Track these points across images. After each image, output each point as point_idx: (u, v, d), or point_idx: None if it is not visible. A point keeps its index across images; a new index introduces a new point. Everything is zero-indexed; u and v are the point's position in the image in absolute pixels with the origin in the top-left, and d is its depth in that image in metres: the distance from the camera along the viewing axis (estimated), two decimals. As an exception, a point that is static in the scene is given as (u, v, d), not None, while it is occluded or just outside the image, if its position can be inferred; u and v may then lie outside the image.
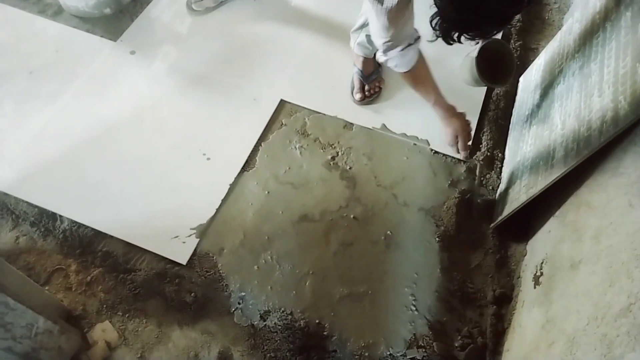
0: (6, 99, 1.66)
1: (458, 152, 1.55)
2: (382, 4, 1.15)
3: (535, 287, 1.19)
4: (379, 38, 1.28)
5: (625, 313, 0.76)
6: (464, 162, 1.55)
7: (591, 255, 0.95)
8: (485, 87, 1.68)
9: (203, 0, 1.87)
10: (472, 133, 1.57)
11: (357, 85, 1.65)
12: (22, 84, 1.69)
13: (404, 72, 1.38)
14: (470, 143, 1.55)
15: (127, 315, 1.32)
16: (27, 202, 1.46)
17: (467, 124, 1.53)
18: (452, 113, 1.50)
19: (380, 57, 1.36)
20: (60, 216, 1.44)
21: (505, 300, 1.34)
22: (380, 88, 1.67)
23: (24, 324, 1.01)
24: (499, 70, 1.46)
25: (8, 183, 1.49)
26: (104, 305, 1.33)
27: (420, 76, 1.42)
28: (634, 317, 0.73)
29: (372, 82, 1.66)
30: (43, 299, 1.21)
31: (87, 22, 1.86)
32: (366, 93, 1.65)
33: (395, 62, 1.34)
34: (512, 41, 1.80)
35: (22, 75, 1.71)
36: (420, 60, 1.38)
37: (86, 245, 1.41)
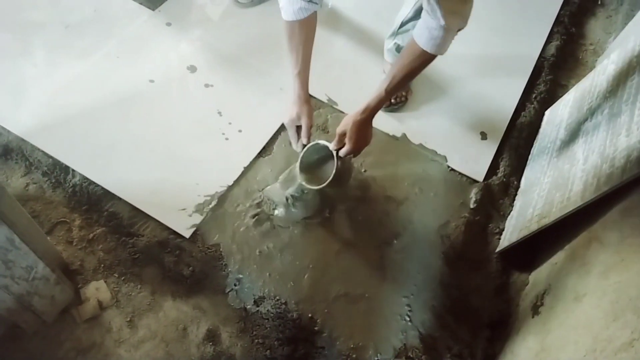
0: (39, 49, 1.68)
1: None
2: None
3: (533, 317, 1.19)
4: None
5: (627, 348, 0.75)
6: (479, 183, 1.55)
7: (597, 290, 0.95)
8: (510, 115, 1.69)
9: None
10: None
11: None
12: (57, 37, 1.71)
13: (287, 21, 1.24)
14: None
15: (122, 278, 1.32)
16: (42, 151, 1.47)
17: (307, 116, 1.31)
18: (300, 98, 1.31)
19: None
20: (73, 170, 1.45)
21: (500, 325, 1.33)
22: (406, 98, 1.68)
23: (24, 265, 1.01)
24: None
25: (27, 130, 1.50)
26: (102, 265, 1.33)
27: (299, 35, 1.26)
28: (636, 352, 0.73)
29: None
30: (45, 246, 1.21)
31: (130, -13, 1.88)
32: (392, 101, 1.65)
33: (283, 2, 1.22)
34: (543, 74, 1.81)
35: (58, 28, 1.73)
36: (310, 20, 1.26)
37: (93, 203, 1.41)
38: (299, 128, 1.35)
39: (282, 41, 1.28)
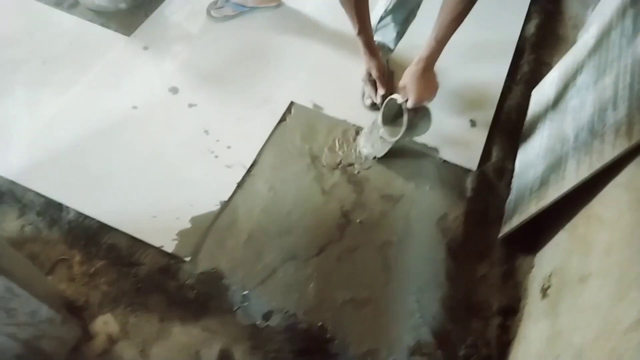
0: (18, 86, 1.67)
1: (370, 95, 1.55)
2: None
3: (542, 299, 1.18)
4: None
5: (636, 327, 0.75)
6: (473, 172, 1.55)
7: (601, 269, 0.94)
8: (497, 99, 1.69)
9: (222, 8, 1.88)
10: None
11: (367, 90, 1.66)
12: (35, 73, 1.70)
13: None
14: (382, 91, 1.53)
15: (129, 308, 1.31)
16: (34, 191, 1.46)
17: (381, 65, 1.51)
18: (370, 49, 1.47)
19: None
20: (67, 207, 1.44)
21: (510, 312, 1.33)
22: (391, 95, 1.67)
23: (27, 311, 1.01)
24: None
25: (16, 171, 1.49)
26: (107, 298, 1.32)
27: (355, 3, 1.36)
28: (646, 331, 0.72)
29: None
30: (46, 287, 1.21)
31: (102, 15, 1.87)
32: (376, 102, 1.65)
33: None
34: (525, 54, 1.80)
35: (36, 64, 1.72)
36: None
37: (91, 237, 1.40)
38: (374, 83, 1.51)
39: (337, 7, 1.37)
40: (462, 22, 1.28)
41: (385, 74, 1.52)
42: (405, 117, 1.37)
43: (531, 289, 1.31)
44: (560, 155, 1.28)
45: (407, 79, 1.35)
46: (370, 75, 1.51)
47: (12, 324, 0.99)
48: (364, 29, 1.41)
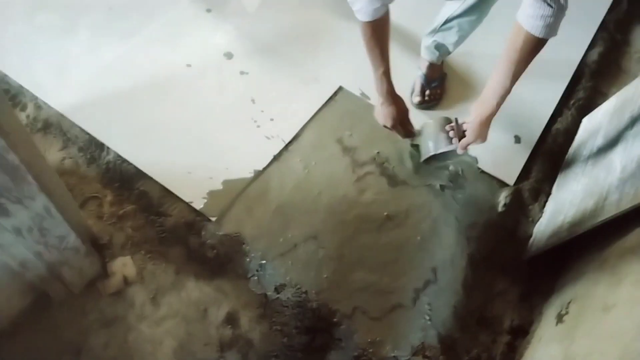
0: (83, 29, 1.73)
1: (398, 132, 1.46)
2: None
3: (557, 325, 1.16)
4: None
5: (658, 360, 0.73)
6: (509, 187, 1.53)
7: (629, 300, 0.92)
8: (547, 120, 1.66)
9: None
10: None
11: (417, 88, 1.65)
12: (101, 18, 1.76)
13: (365, 22, 1.24)
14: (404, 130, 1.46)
15: (149, 255, 1.35)
16: (80, 127, 1.51)
17: (403, 110, 1.43)
18: (392, 95, 1.39)
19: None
20: (108, 148, 1.49)
21: (521, 332, 1.31)
22: (441, 96, 1.66)
23: (57, 234, 1.04)
24: None
25: (67, 106, 1.54)
26: (130, 241, 1.36)
27: (379, 33, 1.28)
28: (667, 366, 0.70)
29: (433, 88, 1.65)
30: (77, 218, 1.25)
31: (173, -28, 1.91)
32: (425, 98, 1.64)
33: (361, 4, 1.20)
34: (583, 80, 1.76)
35: (102, 10, 1.78)
36: (386, 17, 1.26)
37: (125, 181, 1.45)
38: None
39: (361, 43, 1.30)
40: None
41: (407, 116, 1.45)
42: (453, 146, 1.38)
43: (547, 313, 1.28)
44: (604, 184, 1.25)
45: (478, 123, 1.29)
46: (393, 119, 1.41)
47: (42, 243, 1.02)
48: (388, 66, 1.35)
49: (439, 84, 1.66)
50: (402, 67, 1.72)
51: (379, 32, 1.27)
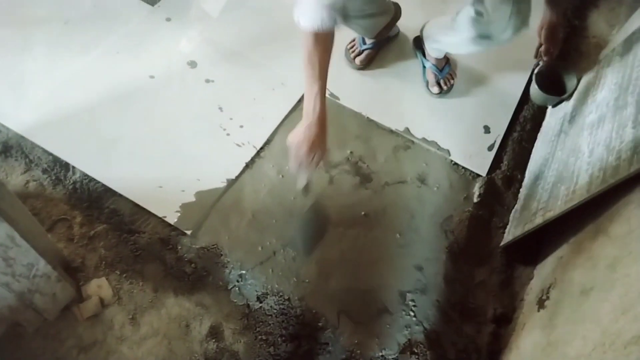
0: (39, 44, 1.67)
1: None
2: None
3: (538, 311, 1.18)
4: None
5: (638, 340, 0.74)
6: (482, 177, 1.54)
7: (605, 283, 0.94)
8: (514, 109, 1.68)
9: None
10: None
11: (431, 78, 1.69)
12: (57, 32, 1.69)
13: (310, 32, 1.10)
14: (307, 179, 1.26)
15: (124, 275, 1.31)
16: (42, 148, 1.46)
17: (325, 141, 1.20)
18: (322, 120, 1.17)
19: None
20: (73, 167, 1.44)
21: (504, 320, 1.33)
22: (452, 84, 1.70)
23: (25, 263, 1.00)
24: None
25: (27, 127, 1.48)
26: (103, 262, 1.32)
27: (323, 46, 1.14)
28: (647, 346, 0.72)
29: (447, 74, 1.69)
30: (46, 243, 1.20)
31: (129, -17, 1.86)
32: (442, 87, 1.68)
33: (305, 8, 1.09)
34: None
35: (57, 24, 1.71)
36: (333, 31, 1.13)
37: (94, 200, 1.40)
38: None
39: (300, 53, 1.15)
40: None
41: (326, 151, 1.21)
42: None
43: (528, 299, 1.30)
44: (573, 169, 1.27)
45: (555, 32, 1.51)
46: (311, 147, 1.15)
47: (9, 274, 0.98)
48: (324, 86, 1.17)
49: (450, 68, 1.70)
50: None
51: (323, 45, 1.14)
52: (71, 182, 1.42)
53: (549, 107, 1.69)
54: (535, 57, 1.64)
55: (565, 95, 1.60)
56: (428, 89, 1.71)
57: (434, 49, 1.63)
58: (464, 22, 1.39)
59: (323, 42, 1.13)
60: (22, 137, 1.47)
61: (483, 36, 1.38)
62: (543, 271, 1.31)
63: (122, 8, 1.79)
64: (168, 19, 1.78)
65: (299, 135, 1.16)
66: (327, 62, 1.16)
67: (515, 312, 1.33)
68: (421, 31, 1.69)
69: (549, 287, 1.18)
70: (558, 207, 1.22)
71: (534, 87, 1.63)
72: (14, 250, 0.95)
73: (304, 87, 1.17)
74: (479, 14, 1.33)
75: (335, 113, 1.63)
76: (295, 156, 1.17)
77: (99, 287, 1.28)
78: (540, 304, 1.19)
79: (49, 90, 1.57)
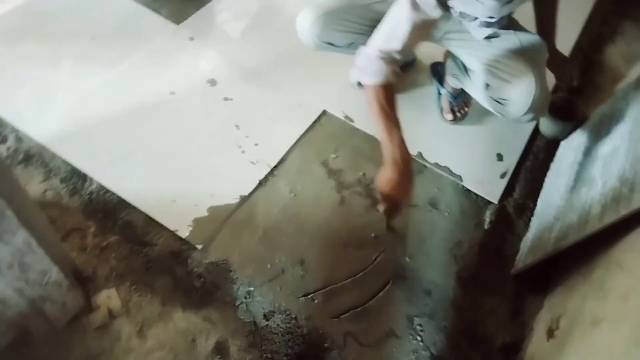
0: (66, 57, 1.73)
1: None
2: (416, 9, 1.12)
3: (548, 341, 1.16)
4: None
5: (649, 374, 0.73)
6: (494, 204, 1.54)
7: (616, 314, 0.93)
8: (528, 137, 1.69)
9: None
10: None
11: (446, 105, 1.71)
12: (84, 47, 1.76)
13: (380, 86, 1.15)
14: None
15: (134, 287, 1.32)
16: (62, 158, 1.50)
17: (412, 187, 1.21)
18: (410, 164, 1.19)
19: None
20: (91, 178, 1.47)
21: (512, 350, 1.30)
22: (468, 107, 1.72)
23: (39, 269, 1.02)
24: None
25: (49, 136, 1.53)
26: (114, 273, 1.33)
27: (391, 95, 1.17)
28: (658, 380, 0.70)
29: (462, 101, 1.71)
30: (60, 251, 1.22)
31: (156, 1, 1.94)
32: (457, 114, 1.70)
33: (368, 69, 1.15)
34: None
35: (85, 39, 1.78)
36: (393, 81, 1.18)
37: (109, 211, 1.43)
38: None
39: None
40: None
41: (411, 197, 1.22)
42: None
43: (537, 329, 1.28)
44: (586, 199, 1.27)
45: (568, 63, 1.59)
46: (402, 193, 1.18)
47: (23, 280, 1.00)
48: (401, 134, 1.17)
49: (465, 96, 1.71)
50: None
51: (392, 94, 1.16)
52: (87, 192, 1.45)
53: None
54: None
55: (573, 124, 1.63)
56: (442, 115, 1.73)
57: (453, 81, 1.64)
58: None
59: (392, 91, 1.17)
60: (43, 147, 1.51)
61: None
62: (553, 301, 1.29)
63: (148, 25, 1.85)
64: (191, 38, 1.84)
65: (391, 182, 1.16)
66: (398, 108, 1.18)
67: (524, 342, 1.31)
68: (444, 59, 1.71)
69: (559, 317, 1.17)
70: (570, 236, 1.22)
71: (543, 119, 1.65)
72: (30, 256, 0.97)
73: (380, 137, 1.18)
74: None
75: (349, 135, 1.65)
76: (386, 201, 1.19)
77: (108, 297, 1.29)
78: (550, 333, 1.17)
79: (72, 102, 1.62)
